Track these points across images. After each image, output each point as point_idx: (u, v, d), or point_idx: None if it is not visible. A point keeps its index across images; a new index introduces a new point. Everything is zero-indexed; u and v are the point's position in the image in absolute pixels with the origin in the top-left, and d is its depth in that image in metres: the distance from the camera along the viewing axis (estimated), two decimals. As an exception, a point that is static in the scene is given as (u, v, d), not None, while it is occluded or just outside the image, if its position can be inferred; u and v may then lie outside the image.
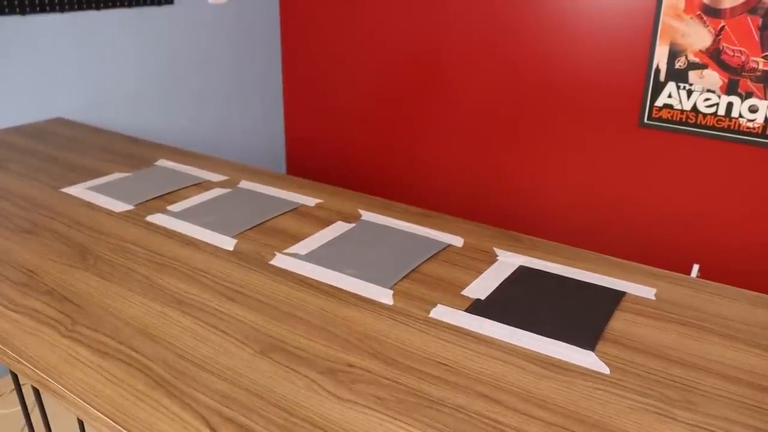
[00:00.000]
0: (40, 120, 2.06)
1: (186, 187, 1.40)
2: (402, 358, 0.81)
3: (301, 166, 3.14)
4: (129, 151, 1.69)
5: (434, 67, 2.52)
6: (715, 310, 0.93)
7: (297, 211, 1.28)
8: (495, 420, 0.70)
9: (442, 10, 2.43)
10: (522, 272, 1.03)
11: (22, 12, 1.96)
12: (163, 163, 1.58)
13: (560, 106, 2.25)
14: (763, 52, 1.83)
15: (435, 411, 0.71)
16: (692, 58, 1.93)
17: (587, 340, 0.85)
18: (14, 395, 1.93)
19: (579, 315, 0.91)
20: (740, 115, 1.90)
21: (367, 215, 1.25)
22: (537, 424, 0.70)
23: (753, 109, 1.87)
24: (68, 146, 1.74)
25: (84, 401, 0.72)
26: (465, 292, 0.97)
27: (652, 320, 0.90)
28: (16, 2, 1.93)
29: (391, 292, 0.97)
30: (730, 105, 1.91)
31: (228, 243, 1.12)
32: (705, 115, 1.96)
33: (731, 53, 1.87)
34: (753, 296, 0.97)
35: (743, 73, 1.87)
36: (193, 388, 0.75)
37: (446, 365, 0.80)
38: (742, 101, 1.89)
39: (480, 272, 1.03)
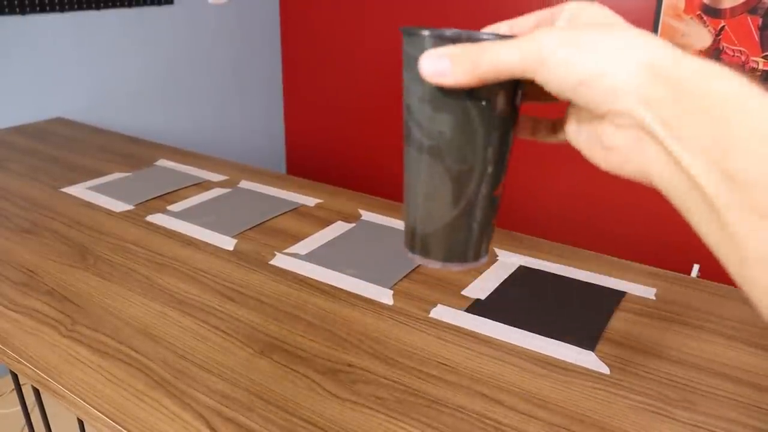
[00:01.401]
0: (40, 120, 2.06)
1: (186, 187, 1.40)
2: (402, 358, 0.81)
3: (301, 166, 3.14)
4: (129, 151, 1.69)
5: (434, 67, 2.52)
6: (715, 310, 0.93)
7: (297, 211, 1.28)
8: (495, 420, 0.70)
9: (442, 10, 2.43)
10: (522, 272, 1.03)
11: (22, 12, 1.96)
12: (163, 163, 1.58)
13: (560, 106, 2.25)
14: (763, 52, 1.83)
15: (435, 411, 0.71)
16: (692, 58, 1.93)
17: (587, 340, 0.85)
18: (14, 395, 1.93)
19: (579, 315, 0.91)
20: (740, 115, 1.90)
21: (367, 215, 1.25)
22: (537, 424, 0.70)
23: (753, 109, 1.87)
24: (68, 146, 1.74)
25: (84, 401, 0.72)
26: (465, 292, 0.97)
27: (652, 320, 0.90)
28: (16, 2, 1.93)
29: (391, 292, 0.97)
30: (730, 105, 1.91)
31: (228, 243, 1.12)
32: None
33: (731, 53, 1.87)
34: (753, 296, 0.97)
35: (743, 73, 1.87)
36: (193, 388, 0.75)
37: (446, 365, 0.80)
38: (742, 101, 1.88)
39: (480, 272, 1.03)
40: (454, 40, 0.31)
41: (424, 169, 0.35)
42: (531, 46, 0.29)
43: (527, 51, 0.29)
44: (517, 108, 0.35)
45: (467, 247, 0.36)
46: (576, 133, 0.34)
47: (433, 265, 0.37)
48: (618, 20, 0.33)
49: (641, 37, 0.29)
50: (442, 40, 0.31)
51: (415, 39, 0.32)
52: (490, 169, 0.34)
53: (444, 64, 0.31)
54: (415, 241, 0.37)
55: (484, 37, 0.32)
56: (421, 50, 0.32)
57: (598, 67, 0.28)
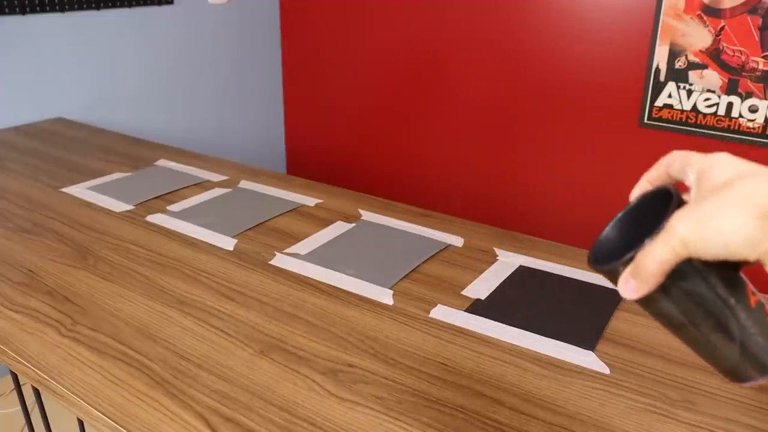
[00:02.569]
0: (40, 120, 2.06)
1: (186, 187, 1.40)
2: (402, 358, 0.81)
3: (301, 166, 3.14)
4: (129, 151, 1.69)
5: (434, 66, 2.52)
6: (715, 310, 0.93)
7: (297, 211, 1.28)
8: (495, 420, 0.70)
9: (443, 10, 2.43)
10: (522, 272, 1.03)
11: (22, 12, 1.96)
12: (163, 163, 1.58)
13: (560, 106, 2.25)
14: (763, 52, 1.83)
15: (435, 411, 0.71)
16: (692, 58, 1.93)
17: (587, 340, 0.85)
18: (14, 395, 1.93)
19: (579, 315, 0.91)
20: (740, 115, 1.90)
21: (367, 215, 1.25)
22: (537, 424, 0.70)
23: (753, 109, 1.87)
24: (68, 146, 1.74)
25: (84, 401, 0.72)
26: (465, 292, 0.97)
27: (653, 320, 0.90)
28: (16, 2, 1.93)
29: (391, 292, 0.97)
30: (730, 105, 1.91)
31: (228, 243, 1.12)
32: (705, 115, 1.96)
33: (731, 53, 1.87)
34: (753, 296, 0.97)
35: (743, 73, 1.87)
36: (193, 388, 0.75)
37: (446, 365, 0.80)
38: (742, 101, 1.89)
39: (480, 272, 1.03)
40: (614, 270, 0.38)
41: (694, 338, 0.40)
42: (672, 238, 0.35)
43: (672, 244, 0.35)
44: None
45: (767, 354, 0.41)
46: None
47: (756, 382, 0.42)
48: (739, 169, 0.37)
49: (753, 186, 0.34)
50: (620, 266, 0.38)
51: (606, 274, 0.40)
52: (732, 301, 0.38)
53: (632, 286, 0.37)
54: (729, 375, 0.43)
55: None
56: (615, 280, 0.39)
57: (726, 233, 0.34)
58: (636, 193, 0.44)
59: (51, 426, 1.27)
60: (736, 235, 0.33)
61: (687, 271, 0.37)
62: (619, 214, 0.43)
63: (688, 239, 0.35)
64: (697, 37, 1.91)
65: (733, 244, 0.33)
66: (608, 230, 0.43)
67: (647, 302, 0.39)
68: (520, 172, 2.43)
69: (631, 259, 0.37)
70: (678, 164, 0.41)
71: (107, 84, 2.28)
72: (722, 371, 0.42)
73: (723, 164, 0.37)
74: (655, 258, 0.36)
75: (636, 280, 0.37)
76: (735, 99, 1.90)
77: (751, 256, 0.34)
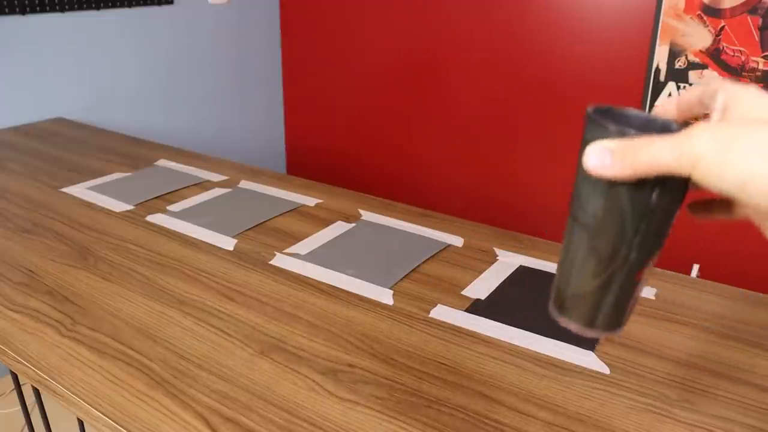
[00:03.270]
0: (40, 120, 2.06)
1: (186, 187, 1.40)
2: (402, 358, 0.81)
3: (301, 166, 3.14)
4: (129, 151, 1.69)
5: (434, 66, 2.52)
6: (715, 310, 0.93)
7: (297, 211, 1.28)
8: (495, 420, 0.70)
9: (443, 10, 2.43)
10: (522, 272, 1.03)
11: (22, 12, 1.96)
12: (163, 163, 1.58)
13: (560, 106, 2.25)
14: (763, 52, 1.83)
15: (435, 411, 0.71)
16: (692, 58, 1.93)
17: (587, 340, 0.85)
18: (14, 395, 1.93)
19: (579, 315, 0.91)
20: (740, 115, 1.90)
21: (367, 215, 1.25)
22: (537, 424, 0.70)
23: (753, 109, 1.87)
24: (68, 146, 1.74)
25: (84, 401, 0.73)
26: (465, 292, 0.97)
27: (652, 320, 0.90)
28: (16, 2, 1.93)
29: (391, 292, 0.97)
30: (730, 105, 1.91)
31: (228, 243, 1.13)
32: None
33: (731, 53, 1.87)
34: (753, 296, 0.97)
35: (743, 73, 1.87)
36: (193, 388, 0.75)
37: (446, 365, 0.80)
38: (742, 101, 1.88)
39: (480, 272, 1.03)
40: (622, 134, 0.33)
41: (574, 240, 0.37)
42: (685, 145, 0.30)
43: (681, 151, 0.30)
44: (677, 200, 0.35)
45: (602, 316, 0.38)
46: (754, 214, 0.35)
47: (569, 326, 0.39)
48: None
49: None
50: (614, 133, 0.34)
51: (593, 127, 0.35)
52: (634, 256, 0.35)
53: (605, 158, 0.33)
54: (556, 300, 0.40)
55: (659, 121, 0.36)
56: (592, 138, 0.34)
57: (753, 172, 0.29)
58: (658, 110, 0.40)
59: (51, 426, 1.27)
60: (762, 179, 0.28)
61: (648, 191, 0.34)
62: (629, 110, 0.39)
63: (702, 158, 0.30)
64: (697, 37, 1.91)
65: (754, 188, 0.29)
66: (619, 110, 0.38)
67: (592, 185, 0.35)
68: (520, 172, 2.43)
69: (628, 134, 0.33)
70: (711, 90, 0.37)
71: (107, 84, 2.28)
72: (562, 294, 0.39)
73: (758, 98, 0.34)
74: (654, 152, 0.31)
75: (615, 157, 0.32)
76: (735, 99, 1.89)
77: (763, 205, 0.29)
